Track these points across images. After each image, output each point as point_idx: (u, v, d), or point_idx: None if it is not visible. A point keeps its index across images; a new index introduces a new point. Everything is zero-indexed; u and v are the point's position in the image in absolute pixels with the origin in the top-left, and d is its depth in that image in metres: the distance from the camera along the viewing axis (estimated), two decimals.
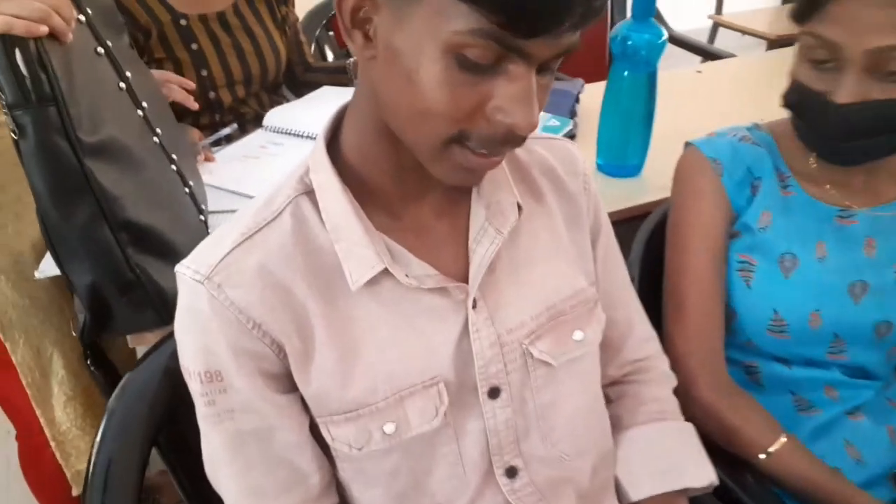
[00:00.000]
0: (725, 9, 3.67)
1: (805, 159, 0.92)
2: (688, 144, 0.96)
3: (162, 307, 0.86)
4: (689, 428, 0.83)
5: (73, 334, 1.20)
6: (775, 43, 3.18)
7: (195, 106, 1.22)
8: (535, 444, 0.72)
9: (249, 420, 0.65)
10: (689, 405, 0.87)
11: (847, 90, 0.79)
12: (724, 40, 3.54)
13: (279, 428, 0.66)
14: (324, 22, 2.02)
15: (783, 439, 0.88)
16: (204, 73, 1.45)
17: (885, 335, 0.92)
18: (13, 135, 0.76)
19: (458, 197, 0.70)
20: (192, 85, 1.23)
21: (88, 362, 0.95)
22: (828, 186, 0.92)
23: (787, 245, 0.91)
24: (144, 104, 0.92)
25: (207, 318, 0.62)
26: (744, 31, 3.38)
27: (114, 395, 0.77)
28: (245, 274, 0.62)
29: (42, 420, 1.18)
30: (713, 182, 0.92)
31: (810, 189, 0.92)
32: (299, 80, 1.68)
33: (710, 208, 0.92)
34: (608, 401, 0.82)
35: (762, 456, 0.88)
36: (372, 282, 0.64)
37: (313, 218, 0.65)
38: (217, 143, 1.37)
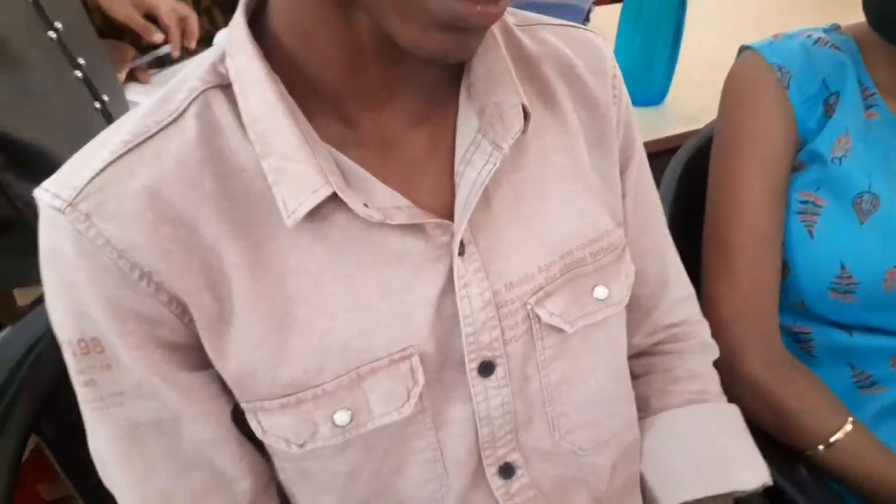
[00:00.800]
0: None
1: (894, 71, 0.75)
2: (744, 49, 0.79)
3: None
4: (736, 412, 0.68)
5: None
6: None
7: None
8: (540, 436, 0.58)
9: (146, 408, 0.50)
10: (735, 383, 0.73)
11: None
12: None
13: (188, 418, 0.50)
14: None
15: (848, 427, 0.73)
16: None
17: None
18: None
19: (442, 96, 0.52)
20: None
21: None
22: None
23: (868, 182, 0.74)
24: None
25: (73, 263, 0.45)
26: None
27: None
28: (127, 201, 0.45)
29: None
30: (777, 96, 0.75)
31: None
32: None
33: (771, 131, 0.75)
34: (633, 377, 0.67)
35: (821, 447, 0.72)
36: (316, 214, 0.47)
37: (230, 122, 0.47)
38: (158, 63, 1.17)
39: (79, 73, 0.75)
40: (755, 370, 0.74)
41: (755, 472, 0.65)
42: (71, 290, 0.46)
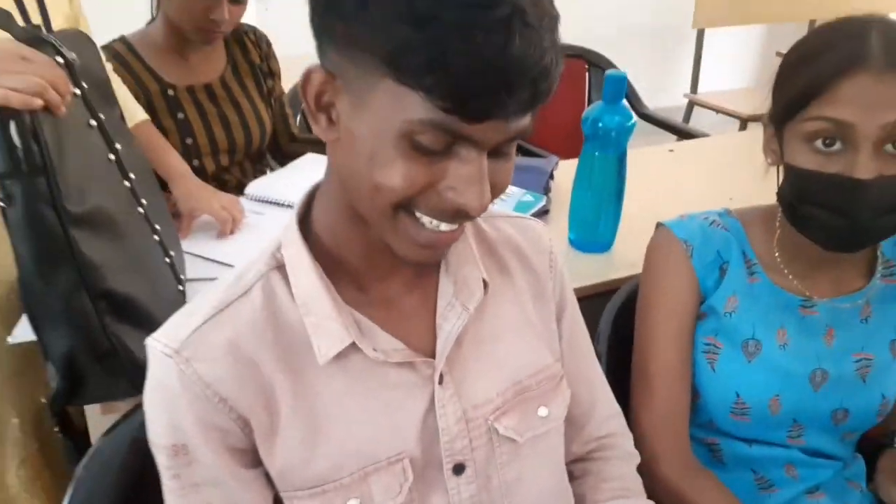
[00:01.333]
0: (701, 88, 3.81)
1: (770, 248, 0.95)
2: (660, 225, 0.99)
3: (136, 376, 0.86)
4: None
5: (37, 399, 1.20)
6: (748, 121, 3.34)
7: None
8: None
9: (214, 494, 0.65)
10: (653, 484, 0.89)
11: (866, 167, 0.77)
12: (699, 118, 3.68)
13: (243, 502, 0.66)
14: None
15: None
16: (189, 141, 1.49)
17: (842, 422, 0.94)
18: (1, 203, 0.78)
19: (427, 272, 0.72)
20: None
21: (56, 429, 0.95)
22: (791, 277, 0.94)
23: (752, 331, 0.93)
24: (132, 175, 0.95)
25: (176, 392, 0.63)
26: (717, 110, 3.53)
27: (81, 463, 0.77)
28: (214, 349, 0.63)
29: None
30: (683, 263, 0.95)
31: (774, 278, 0.94)
32: (284, 151, 1.72)
33: (680, 288, 0.95)
34: (572, 478, 0.83)
35: None
36: (340, 356, 0.65)
37: (283, 293, 0.66)
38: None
39: (156, 237, 0.97)
40: (669, 474, 0.91)
41: None
42: (172, 411, 0.63)
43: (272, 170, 1.72)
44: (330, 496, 0.66)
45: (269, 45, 1.63)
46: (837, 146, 0.79)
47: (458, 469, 0.70)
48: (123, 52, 1.44)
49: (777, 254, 0.94)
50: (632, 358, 0.99)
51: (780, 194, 0.88)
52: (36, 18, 1.03)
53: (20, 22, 0.96)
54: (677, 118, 3.53)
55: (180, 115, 1.48)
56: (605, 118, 1.23)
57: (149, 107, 1.43)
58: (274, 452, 0.65)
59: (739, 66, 4.57)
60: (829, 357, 0.93)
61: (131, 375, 0.87)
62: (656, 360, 0.95)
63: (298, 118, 1.89)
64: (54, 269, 0.80)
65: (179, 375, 0.62)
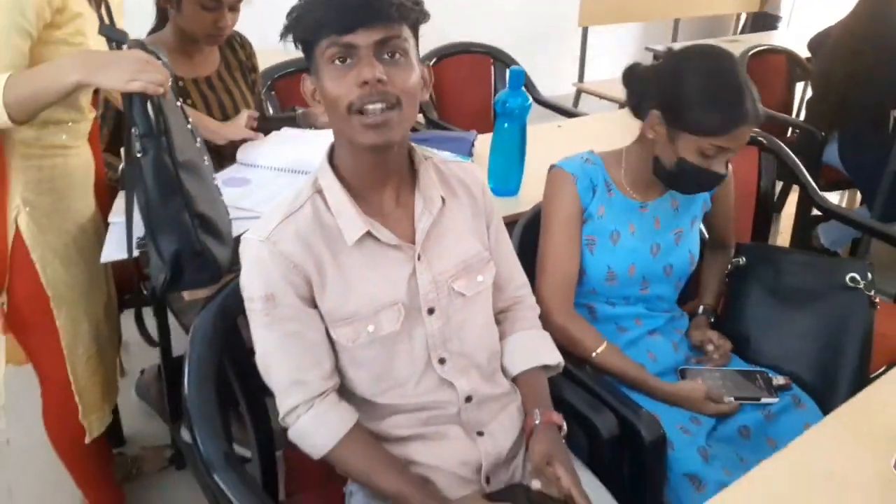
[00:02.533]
0: (586, 77, 4.42)
1: (619, 176, 1.48)
2: (553, 166, 1.50)
3: (215, 270, 1.32)
4: (546, 334, 1.32)
5: (98, 312, 1.60)
6: (624, 105, 3.96)
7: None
8: (456, 345, 1.16)
9: (291, 324, 1.08)
10: (548, 326, 1.36)
11: (724, 167, 1.37)
12: (586, 103, 4.29)
13: (308, 329, 1.09)
14: (267, 83, 2.52)
15: (604, 345, 1.42)
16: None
17: (670, 273, 1.51)
18: (138, 154, 1.22)
19: (407, 192, 1.14)
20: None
21: (154, 314, 1.38)
22: (631, 192, 1.49)
23: (614, 226, 1.46)
24: (198, 140, 1.40)
25: (267, 262, 1.06)
26: (600, 96, 4.14)
27: (197, 318, 1.21)
28: (288, 236, 1.06)
29: (70, 375, 1.55)
30: (571, 187, 1.45)
31: (623, 192, 1.48)
32: (258, 128, 2.14)
33: (570, 203, 1.45)
34: (497, 322, 1.29)
35: (594, 354, 1.41)
36: (359, 241, 1.08)
37: (322, 206, 1.10)
38: None
39: (215, 182, 1.43)
40: (557, 318, 1.42)
41: (555, 357, 1.28)
42: (265, 274, 1.06)
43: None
44: (356, 324, 1.11)
45: (251, 46, 2.07)
46: (712, 154, 1.34)
47: (431, 311, 1.14)
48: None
49: (623, 181, 1.48)
50: (537, 252, 1.49)
51: (662, 164, 1.40)
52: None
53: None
54: (568, 103, 4.12)
55: (188, 101, 1.88)
56: (511, 100, 1.75)
57: None
58: (324, 298, 1.09)
59: (617, 58, 5.25)
60: (658, 235, 1.50)
61: (212, 270, 1.32)
62: (554, 250, 1.45)
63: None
64: (170, 197, 1.24)
65: (269, 251, 1.06)
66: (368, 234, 1.09)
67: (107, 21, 1.37)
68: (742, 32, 5.61)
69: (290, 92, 2.55)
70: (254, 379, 1.23)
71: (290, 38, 1.04)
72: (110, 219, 1.55)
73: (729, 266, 1.65)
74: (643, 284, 1.51)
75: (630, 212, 1.48)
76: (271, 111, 2.52)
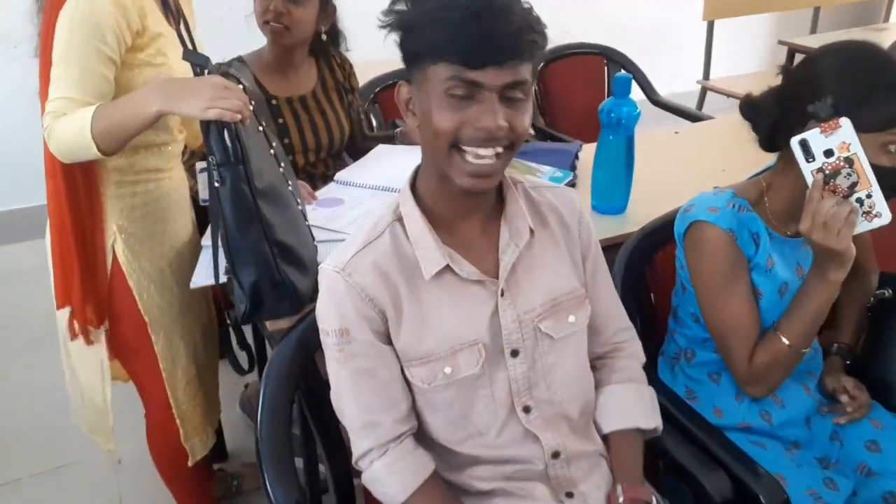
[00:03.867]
0: (713, 74, 4.12)
1: (766, 212, 1.26)
2: (700, 222, 1.24)
3: (296, 300, 1.28)
4: (649, 391, 1.17)
5: (195, 335, 1.60)
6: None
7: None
8: (542, 391, 1.06)
9: (365, 361, 1.01)
10: (756, 389, 1.25)
11: None
12: (712, 102, 4.01)
13: (382, 367, 1.01)
14: (370, 96, 2.50)
15: (784, 336, 1.19)
16: (286, 140, 1.88)
17: None
18: (216, 184, 1.19)
19: (493, 222, 1.06)
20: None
21: (234, 343, 1.35)
22: (784, 228, 1.26)
23: (784, 277, 1.25)
24: (282, 164, 1.36)
25: (342, 294, 1.00)
26: (728, 95, 3.84)
27: (274, 350, 1.17)
28: (364, 267, 1.00)
29: (171, 399, 1.57)
30: (733, 247, 1.22)
31: (780, 230, 1.26)
32: (357, 147, 2.11)
33: (735, 262, 1.23)
34: (593, 370, 1.16)
35: (793, 347, 1.18)
36: (438, 275, 1.00)
37: (402, 235, 1.03)
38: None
39: (300, 208, 1.38)
40: (761, 382, 1.23)
41: (653, 420, 1.13)
42: (339, 307, 1.00)
43: (347, 163, 2.10)
44: (433, 365, 1.02)
45: (351, 66, 2.04)
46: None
47: (514, 353, 1.04)
48: (238, 68, 1.84)
49: (771, 216, 1.26)
50: (709, 316, 1.28)
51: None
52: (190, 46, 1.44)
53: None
54: (691, 102, 3.86)
55: (280, 120, 1.87)
56: (616, 109, 1.60)
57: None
58: (399, 335, 1.01)
59: (747, 52, 4.87)
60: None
61: (292, 299, 1.28)
62: (732, 315, 1.23)
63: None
64: (248, 227, 1.21)
65: (345, 284, 1.00)
66: (448, 267, 1.01)
67: (186, 38, 1.36)
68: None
69: (394, 105, 2.50)
70: (330, 415, 1.17)
71: (391, 32, 0.95)
72: (203, 241, 1.55)
73: (871, 299, 1.42)
74: None
75: (795, 252, 1.28)
76: (374, 124, 2.50)
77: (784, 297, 1.25)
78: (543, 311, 1.06)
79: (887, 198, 1.09)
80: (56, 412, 2.20)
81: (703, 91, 4.07)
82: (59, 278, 1.41)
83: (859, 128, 1.06)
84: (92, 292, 1.41)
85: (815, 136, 1.08)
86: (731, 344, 1.24)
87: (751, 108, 1.24)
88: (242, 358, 1.54)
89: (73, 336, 1.44)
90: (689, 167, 1.98)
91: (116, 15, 1.22)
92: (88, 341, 1.45)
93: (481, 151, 0.92)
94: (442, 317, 1.02)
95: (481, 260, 1.04)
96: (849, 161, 1.07)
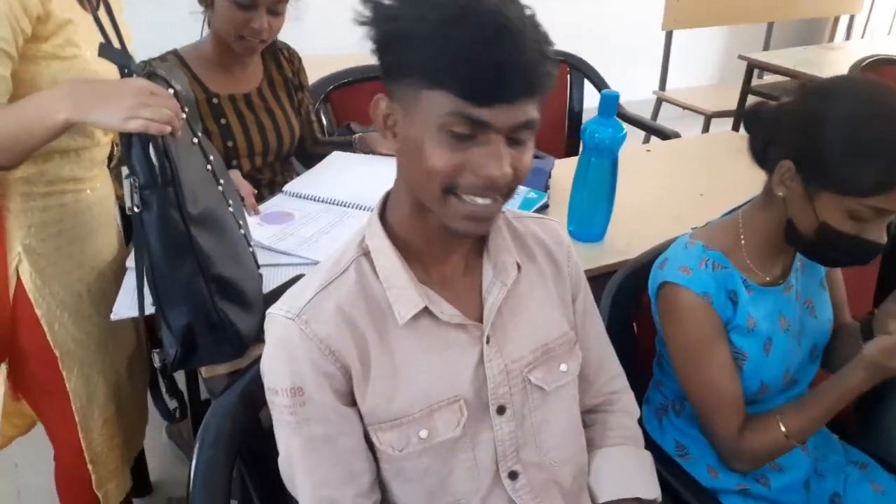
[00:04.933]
0: (668, 85, 4.06)
1: (743, 260, 1.15)
2: (672, 284, 1.13)
3: (237, 343, 1.08)
4: (646, 454, 1.05)
5: (117, 369, 1.39)
6: (712, 117, 3.61)
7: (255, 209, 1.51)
8: (532, 453, 0.93)
9: (321, 427, 0.85)
10: (738, 464, 1.16)
11: (882, 233, 1.04)
12: (665, 111, 3.95)
13: (343, 434, 0.85)
14: (321, 96, 2.29)
15: (783, 425, 1.10)
16: (230, 144, 1.68)
17: (815, 355, 1.22)
18: (136, 208, 0.98)
19: (474, 259, 0.92)
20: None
21: (164, 391, 1.15)
22: (763, 273, 1.16)
23: (767, 333, 1.15)
24: (221, 181, 1.15)
25: (297, 346, 0.83)
26: (683, 106, 3.79)
27: (208, 412, 0.98)
28: (325, 313, 0.84)
29: (83, 442, 1.36)
30: (709, 312, 1.12)
31: (758, 280, 1.15)
32: (308, 153, 1.91)
33: (710, 328, 1.13)
34: (584, 426, 1.03)
35: (789, 439, 1.10)
36: (412, 319, 0.85)
37: (369, 272, 0.87)
38: None
39: (242, 231, 1.18)
40: (744, 453, 1.12)
41: (652, 489, 1.01)
42: (292, 361, 0.83)
43: (296, 169, 1.90)
44: (405, 428, 0.86)
45: (299, 60, 1.83)
46: (868, 216, 1.01)
47: (501, 410, 0.90)
48: (174, 63, 1.62)
49: (749, 261, 1.16)
50: (687, 387, 1.18)
51: (797, 230, 1.08)
52: (116, 43, 1.21)
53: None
54: (645, 112, 3.78)
55: (223, 121, 1.66)
56: (601, 130, 1.45)
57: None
58: (366, 394, 0.85)
59: (702, 65, 4.86)
60: (797, 314, 1.19)
61: (233, 343, 1.08)
62: (710, 383, 1.14)
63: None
64: (179, 260, 1.01)
65: (300, 333, 0.83)
66: (425, 310, 0.86)
67: (108, 25, 1.14)
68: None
69: (347, 105, 2.31)
70: (277, 486, 0.99)
71: (368, 30, 0.78)
72: (127, 263, 1.33)
73: None
74: (792, 384, 1.21)
75: (776, 302, 1.17)
76: (325, 124, 2.29)
77: (770, 353, 1.15)
78: (533, 359, 0.93)
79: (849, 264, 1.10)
80: None
81: (659, 102, 4.00)
82: None
83: (827, 184, 1.01)
84: None
85: None
86: (713, 418, 1.15)
87: (755, 118, 1.14)
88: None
89: None
90: (665, 189, 1.86)
91: None
92: None
93: (481, 200, 0.79)
94: (417, 369, 0.87)
95: (461, 301, 0.90)
96: None
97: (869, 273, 1.63)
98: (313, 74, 2.02)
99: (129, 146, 0.96)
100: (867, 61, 2.96)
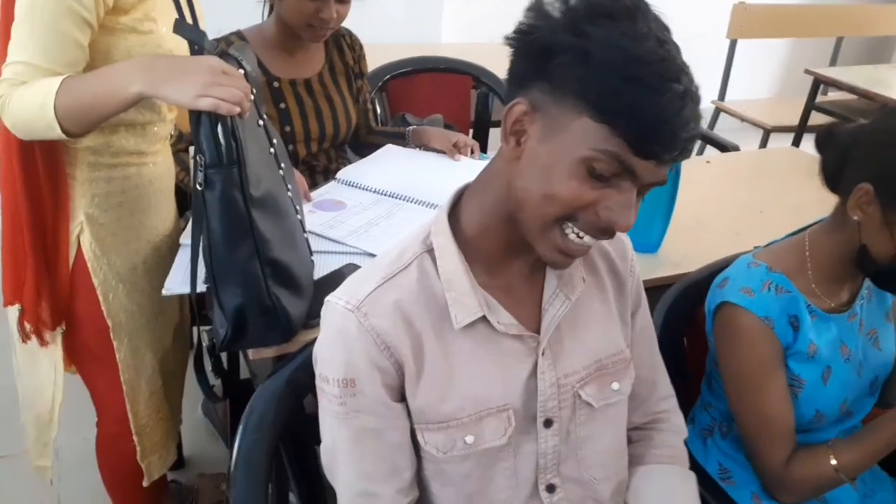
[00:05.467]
0: (728, 95, 3.98)
1: (809, 285, 1.12)
2: (733, 305, 1.10)
3: (288, 328, 1.08)
4: (691, 475, 1.03)
5: (165, 343, 1.41)
6: (771, 131, 3.52)
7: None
8: (572, 468, 0.92)
9: (370, 420, 0.84)
10: (788, 496, 1.13)
11: None
12: (723, 122, 3.87)
13: (390, 428, 0.85)
14: (379, 84, 2.29)
15: (833, 457, 1.08)
16: (287, 128, 1.68)
17: (875, 387, 1.18)
18: (199, 186, 0.99)
19: (539, 266, 0.90)
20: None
21: (211, 369, 1.16)
22: (828, 300, 1.14)
23: (827, 361, 1.12)
24: (282, 165, 1.15)
25: (353, 337, 0.82)
26: (742, 118, 3.70)
27: (253, 395, 0.98)
28: (384, 308, 0.82)
29: (130, 414, 1.38)
30: (770, 336, 1.09)
31: (822, 306, 1.12)
32: (362, 141, 1.91)
33: (769, 352, 1.10)
34: (630, 442, 1.02)
35: (841, 475, 1.07)
36: (470, 324, 0.85)
37: (432, 271, 0.85)
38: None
39: (299, 217, 1.17)
40: (797, 484, 1.10)
41: None
42: (348, 352, 0.82)
43: (348, 157, 1.91)
44: (452, 431, 0.85)
45: (361, 48, 1.83)
46: None
47: (548, 423, 0.89)
48: (240, 48, 1.63)
49: (814, 286, 1.12)
50: (738, 411, 1.16)
51: (871, 256, 1.05)
52: (190, 20, 1.22)
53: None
54: (704, 122, 3.72)
55: (282, 105, 1.67)
56: None
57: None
58: (417, 392, 0.84)
59: (764, 77, 4.74)
60: (859, 343, 1.15)
61: (284, 328, 1.08)
62: (765, 409, 1.11)
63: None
64: (237, 241, 1.01)
65: (358, 326, 0.81)
66: (482, 318, 0.85)
67: (185, 7, 1.15)
68: None
69: (403, 96, 2.31)
70: (316, 474, 1.00)
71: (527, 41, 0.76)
72: (181, 239, 1.34)
73: None
74: (847, 415, 1.17)
75: (839, 330, 1.14)
76: (379, 116, 2.29)
77: (828, 383, 1.12)
78: (586, 374, 0.91)
79: None
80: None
81: (717, 112, 3.92)
82: (9, 271, 1.22)
83: None
84: (48, 290, 1.22)
85: None
86: (761, 446, 1.13)
87: (830, 140, 1.10)
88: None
89: (25, 338, 1.25)
90: (723, 203, 1.83)
91: None
92: (43, 343, 1.26)
93: (587, 239, 0.78)
94: (470, 374, 0.86)
95: (520, 308, 0.88)
96: None
97: None
98: (372, 62, 2.02)
99: (198, 124, 0.97)
100: None
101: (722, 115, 3.88)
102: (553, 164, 0.74)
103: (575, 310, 0.91)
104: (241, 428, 0.96)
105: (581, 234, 0.77)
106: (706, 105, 3.93)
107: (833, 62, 4.32)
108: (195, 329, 1.49)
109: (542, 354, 0.88)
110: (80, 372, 1.39)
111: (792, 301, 1.10)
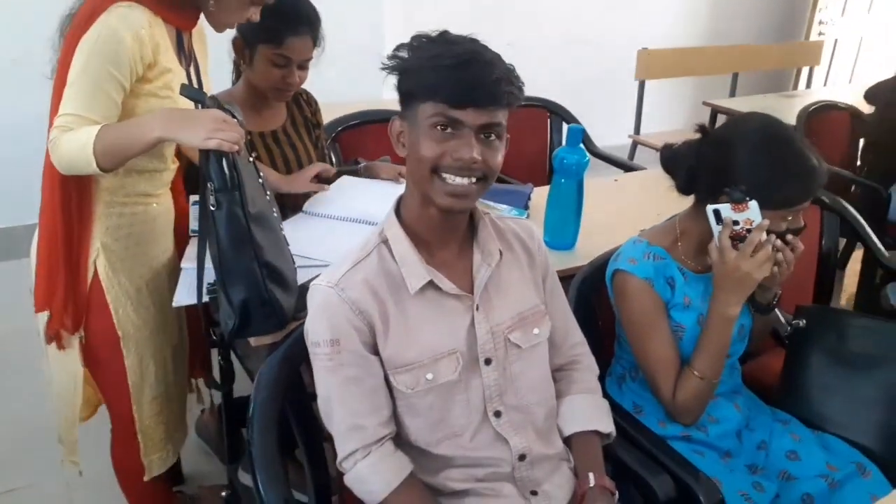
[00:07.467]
0: (642, 130, 4.43)
1: (679, 254, 1.46)
2: (621, 271, 1.43)
3: (282, 317, 1.37)
4: (604, 402, 1.32)
5: (165, 353, 1.66)
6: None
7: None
8: (511, 397, 1.19)
9: (353, 370, 1.12)
10: (683, 419, 1.43)
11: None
12: (641, 154, 4.30)
13: (368, 375, 1.12)
14: (332, 135, 2.61)
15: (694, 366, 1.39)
16: (260, 173, 1.98)
17: (743, 334, 1.50)
18: (212, 207, 1.28)
19: (467, 246, 1.21)
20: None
21: (220, 358, 1.43)
22: (694, 264, 1.47)
23: (700, 309, 1.44)
24: (268, 192, 1.46)
25: (335, 306, 1.11)
26: (656, 149, 4.13)
27: (261, 368, 1.24)
28: (356, 283, 1.13)
29: (135, 414, 1.63)
30: (650, 293, 1.41)
31: (692, 269, 1.46)
32: (321, 179, 2.22)
33: (652, 306, 1.42)
34: (555, 381, 1.31)
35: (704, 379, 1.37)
36: (421, 290, 1.14)
37: (387, 255, 1.16)
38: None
39: (283, 232, 1.49)
40: (687, 414, 1.40)
41: (608, 425, 1.28)
42: (331, 318, 1.11)
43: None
44: (416, 372, 1.14)
45: (316, 103, 2.16)
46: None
47: (488, 361, 1.18)
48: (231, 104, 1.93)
49: (684, 256, 1.47)
50: (637, 356, 1.46)
51: None
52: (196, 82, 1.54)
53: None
54: (624, 154, 4.13)
55: (254, 154, 1.97)
56: (568, 157, 1.78)
57: None
58: (386, 345, 1.13)
59: (672, 111, 5.26)
60: None
61: (278, 317, 1.37)
62: (655, 351, 1.42)
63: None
64: (240, 248, 1.31)
65: (337, 297, 1.11)
66: (430, 283, 1.14)
67: (194, 80, 1.47)
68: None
69: (353, 144, 2.64)
70: (313, 424, 1.26)
71: (391, 72, 1.11)
72: (182, 264, 1.62)
73: (788, 328, 1.61)
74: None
75: (707, 286, 1.45)
76: (334, 162, 2.61)
77: (702, 326, 1.42)
78: (512, 323, 1.21)
79: None
80: (7, 435, 2.18)
81: (634, 145, 4.36)
82: (43, 282, 1.46)
83: (764, 206, 1.30)
84: (73, 300, 1.47)
85: (726, 210, 1.32)
86: (657, 382, 1.42)
87: (671, 157, 1.46)
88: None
89: (49, 339, 1.49)
90: (627, 211, 2.17)
91: (133, 47, 1.32)
92: (60, 346, 1.50)
93: (458, 179, 1.07)
94: (424, 328, 1.14)
95: (458, 279, 1.18)
96: (749, 231, 1.32)
97: (808, 273, 1.94)
98: (325, 117, 2.34)
99: (207, 159, 1.27)
100: (813, 107, 3.34)
101: (639, 147, 4.32)
102: (416, 140, 1.08)
103: (497, 276, 1.22)
104: (254, 391, 1.23)
105: (452, 177, 1.07)
106: (624, 140, 4.38)
107: (732, 94, 4.85)
108: (209, 391, 1.83)
109: (477, 309, 1.18)
110: (95, 377, 1.61)
111: (667, 266, 1.44)
